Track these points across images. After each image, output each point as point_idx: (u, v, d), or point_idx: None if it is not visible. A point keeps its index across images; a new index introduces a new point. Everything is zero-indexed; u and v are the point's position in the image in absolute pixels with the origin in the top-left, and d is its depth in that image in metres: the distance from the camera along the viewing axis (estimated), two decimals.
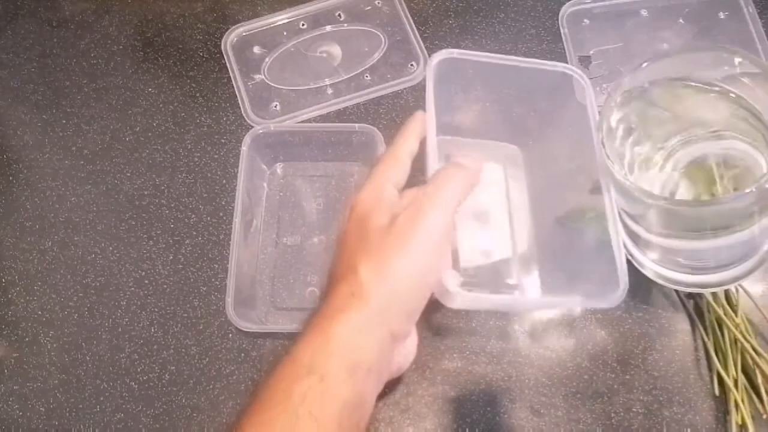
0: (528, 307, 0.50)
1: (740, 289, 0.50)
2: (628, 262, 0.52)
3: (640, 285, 0.52)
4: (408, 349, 0.40)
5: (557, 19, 0.62)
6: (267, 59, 0.62)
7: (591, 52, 0.61)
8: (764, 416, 0.46)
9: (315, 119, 0.59)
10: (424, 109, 0.44)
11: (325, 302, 0.36)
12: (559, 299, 0.48)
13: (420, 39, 0.61)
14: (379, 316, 0.35)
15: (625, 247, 0.43)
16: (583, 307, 0.48)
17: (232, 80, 0.60)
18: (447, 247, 0.39)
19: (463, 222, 0.50)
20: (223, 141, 0.59)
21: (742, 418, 0.46)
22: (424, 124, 0.42)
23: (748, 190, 0.36)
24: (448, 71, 0.46)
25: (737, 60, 0.39)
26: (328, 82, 0.61)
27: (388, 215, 0.37)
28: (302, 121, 0.59)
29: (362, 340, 0.35)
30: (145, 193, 0.57)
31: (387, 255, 0.35)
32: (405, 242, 0.36)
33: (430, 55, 0.60)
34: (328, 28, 0.63)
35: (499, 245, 0.52)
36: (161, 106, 0.60)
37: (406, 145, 0.41)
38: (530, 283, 0.51)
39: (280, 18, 0.63)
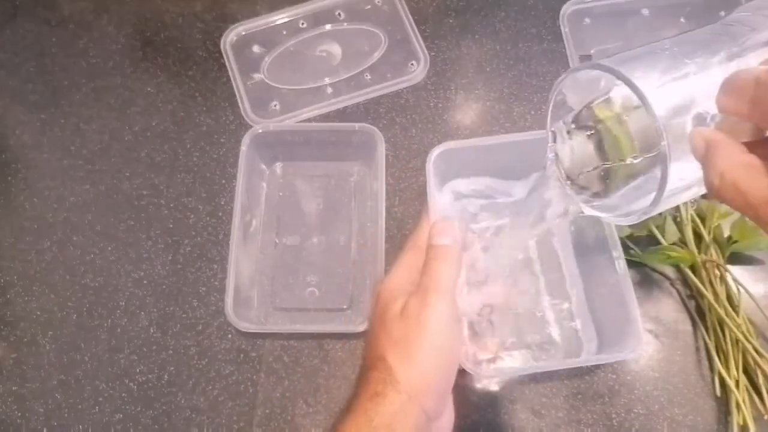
0: (551, 368, 0.49)
1: (742, 290, 0.49)
2: (627, 260, 0.51)
3: (642, 285, 0.52)
4: (444, 424, 0.41)
5: (558, 18, 0.62)
6: (266, 58, 0.61)
7: (592, 51, 0.61)
8: (765, 417, 0.46)
9: (315, 119, 0.59)
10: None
11: (363, 386, 0.38)
12: (581, 359, 0.48)
13: (420, 38, 0.61)
14: (413, 399, 0.37)
15: None
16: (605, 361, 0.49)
17: (232, 80, 0.60)
18: (459, 327, 0.41)
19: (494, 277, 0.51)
20: (222, 140, 0.59)
21: (744, 419, 0.46)
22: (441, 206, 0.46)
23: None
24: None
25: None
26: (327, 81, 0.60)
27: (402, 303, 0.40)
28: (302, 121, 0.58)
29: (400, 422, 0.37)
30: (144, 193, 0.57)
31: (408, 343, 0.38)
32: (421, 329, 0.38)
33: (430, 54, 0.60)
34: (328, 27, 0.63)
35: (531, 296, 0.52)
36: (160, 105, 0.60)
37: (427, 232, 0.44)
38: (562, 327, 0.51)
39: (280, 17, 0.63)
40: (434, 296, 0.40)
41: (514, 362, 0.48)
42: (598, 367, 0.50)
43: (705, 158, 0.27)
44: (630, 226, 0.51)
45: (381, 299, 0.41)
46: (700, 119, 0.29)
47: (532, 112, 0.59)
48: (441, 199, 0.52)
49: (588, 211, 0.36)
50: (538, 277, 0.52)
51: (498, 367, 0.48)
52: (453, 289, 0.41)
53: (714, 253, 0.51)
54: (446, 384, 0.39)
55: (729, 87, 0.27)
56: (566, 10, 0.62)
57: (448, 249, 0.42)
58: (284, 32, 0.63)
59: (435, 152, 0.48)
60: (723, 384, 0.48)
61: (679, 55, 0.31)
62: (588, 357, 0.48)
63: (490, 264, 0.50)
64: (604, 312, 0.49)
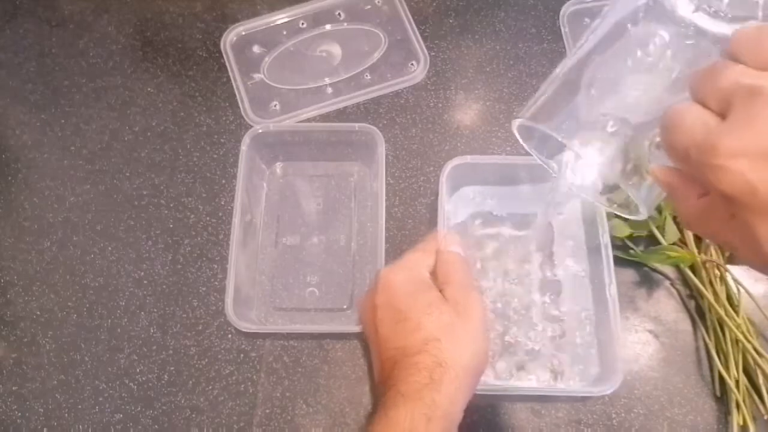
0: (539, 393, 0.49)
1: (741, 290, 0.50)
2: (627, 260, 0.51)
3: (642, 285, 0.52)
4: None
5: (558, 18, 0.62)
6: (266, 58, 0.61)
7: None
8: (765, 417, 0.46)
9: (315, 119, 0.59)
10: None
11: (412, 371, 0.38)
12: (562, 387, 0.49)
13: (420, 38, 0.61)
14: (462, 386, 0.38)
15: None
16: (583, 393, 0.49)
17: (232, 80, 0.60)
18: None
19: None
20: (222, 140, 0.59)
21: (744, 419, 0.46)
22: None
23: None
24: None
25: None
26: (327, 81, 0.60)
27: (436, 291, 0.42)
28: (302, 121, 0.58)
29: (455, 409, 0.38)
30: (144, 193, 0.57)
31: (463, 327, 0.40)
32: (469, 316, 0.40)
33: (430, 54, 0.60)
34: (328, 27, 0.63)
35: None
36: (160, 105, 0.60)
37: (436, 241, 0.46)
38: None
39: (280, 17, 0.63)
40: (472, 287, 0.42)
41: (502, 379, 0.49)
42: None
43: (671, 200, 0.29)
44: (630, 226, 0.51)
45: (394, 285, 0.42)
46: (657, 145, 0.30)
47: None
48: (450, 209, 0.53)
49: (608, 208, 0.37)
50: (540, 293, 0.52)
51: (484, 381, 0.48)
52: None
53: (714, 253, 0.51)
54: (483, 369, 0.41)
55: (667, 149, 0.28)
56: (566, 10, 0.62)
57: (462, 256, 0.45)
58: (284, 32, 0.63)
59: (449, 166, 0.50)
60: (723, 384, 0.48)
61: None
62: (565, 387, 0.48)
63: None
64: (602, 337, 0.49)
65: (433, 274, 0.44)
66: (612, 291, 0.47)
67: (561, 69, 0.35)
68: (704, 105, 0.26)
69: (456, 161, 0.50)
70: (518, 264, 0.52)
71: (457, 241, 0.46)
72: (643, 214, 0.34)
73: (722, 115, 0.26)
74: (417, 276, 0.43)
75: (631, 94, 0.32)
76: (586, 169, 0.37)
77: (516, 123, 0.35)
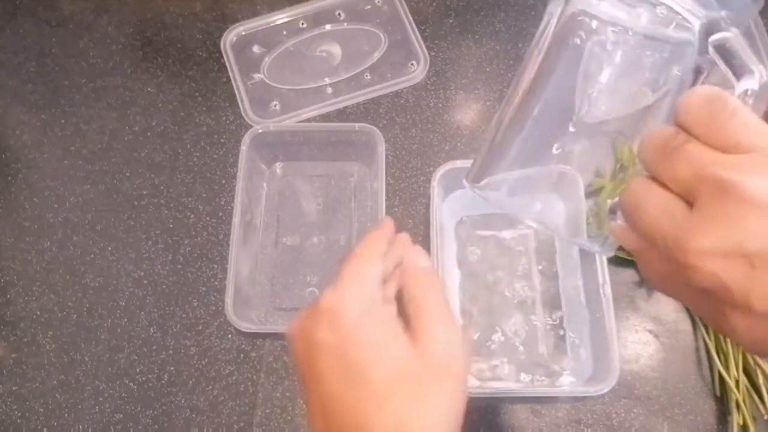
0: (534, 393, 0.49)
1: None
2: (627, 260, 0.51)
3: (642, 285, 0.52)
4: None
5: None
6: (266, 58, 0.62)
7: None
8: (765, 417, 0.46)
9: (315, 119, 0.59)
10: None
11: None
12: (558, 389, 0.48)
13: (420, 38, 0.61)
14: None
15: None
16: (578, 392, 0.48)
17: (232, 80, 0.60)
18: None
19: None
20: (222, 140, 0.59)
21: (744, 419, 0.46)
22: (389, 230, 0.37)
23: None
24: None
25: None
26: (327, 81, 0.60)
27: (404, 338, 0.31)
28: (302, 121, 0.58)
29: None
30: (144, 193, 0.57)
31: (439, 398, 0.30)
32: (453, 379, 0.31)
33: (430, 54, 0.60)
34: (328, 27, 0.63)
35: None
36: (160, 105, 0.60)
37: (380, 242, 0.35)
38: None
39: (280, 17, 0.63)
40: (452, 321, 0.32)
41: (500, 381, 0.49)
42: None
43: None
44: None
45: (344, 321, 0.30)
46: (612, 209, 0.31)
47: None
48: (446, 210, 0.53)
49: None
50: (535, 294, 0.52)
51: (480, 387, 0.48)
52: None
53: None
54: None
55: (631, 228, 0.27)
56: None
57: (433, 272, 0.37)
58: (284, 32, 0.63)
59: (439, 172, 0.50)
60: (723, 384, 0.48)
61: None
62: (561, 387, 0.48)
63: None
64: (596, 337, 0.48)
65: (392, 291, 0.34)
66: (606, 290, 0.46)
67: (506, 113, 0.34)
68: (663, 184, 0.24)
69: (446, 167, 0.50)
70: (515, 265, 0.52)
71: (419, 251, 0.36)
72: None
73: (686, 199, 0.24)
74: (372, 305, 0.31)
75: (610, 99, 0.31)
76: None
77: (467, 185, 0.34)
